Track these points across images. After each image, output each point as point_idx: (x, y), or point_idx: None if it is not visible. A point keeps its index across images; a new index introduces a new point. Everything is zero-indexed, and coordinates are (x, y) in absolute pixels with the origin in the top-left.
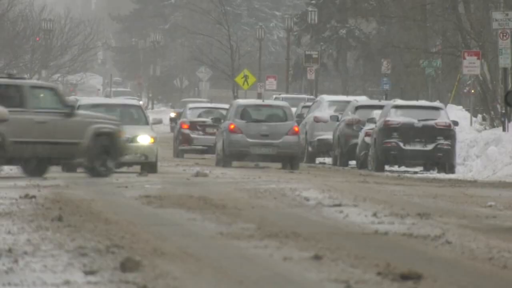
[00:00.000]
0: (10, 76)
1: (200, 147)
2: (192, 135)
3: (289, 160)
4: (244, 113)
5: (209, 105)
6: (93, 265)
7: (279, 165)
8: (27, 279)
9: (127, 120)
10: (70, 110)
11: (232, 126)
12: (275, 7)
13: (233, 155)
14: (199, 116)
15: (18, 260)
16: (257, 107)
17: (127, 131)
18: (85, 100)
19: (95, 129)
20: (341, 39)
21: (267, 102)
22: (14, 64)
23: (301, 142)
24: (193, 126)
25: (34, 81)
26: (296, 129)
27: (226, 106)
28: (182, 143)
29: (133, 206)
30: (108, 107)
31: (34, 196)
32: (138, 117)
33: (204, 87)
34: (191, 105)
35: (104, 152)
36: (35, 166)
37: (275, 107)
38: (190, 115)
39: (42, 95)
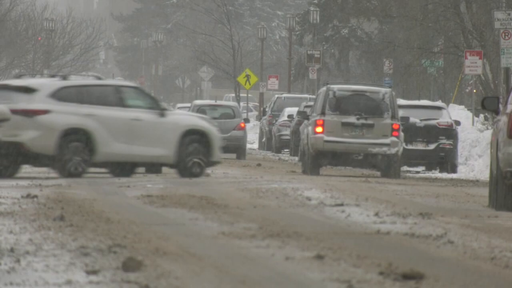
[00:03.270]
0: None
1: None
2: None
3: (236, 151)
4: (199, 111)
5: None
6: (95, 264)
7: (231, 155)
8: (29, 279)
9: None
10: None
11: None
12: (277, 7)
13: None
14: None
15: (20, 260)
16: (210, 106)
17: None
18: None
19: None
20: (343, 38)
21: (219, 102)
22: (16, 63)
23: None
24: None
25: None
26: (243, 125)
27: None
28: None
29: (135, 206)
30: None
31: (36, 196)
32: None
33: (206, 87)
34: (179, 105)
35: None
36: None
37: (226, 106)
38: None
39: None
